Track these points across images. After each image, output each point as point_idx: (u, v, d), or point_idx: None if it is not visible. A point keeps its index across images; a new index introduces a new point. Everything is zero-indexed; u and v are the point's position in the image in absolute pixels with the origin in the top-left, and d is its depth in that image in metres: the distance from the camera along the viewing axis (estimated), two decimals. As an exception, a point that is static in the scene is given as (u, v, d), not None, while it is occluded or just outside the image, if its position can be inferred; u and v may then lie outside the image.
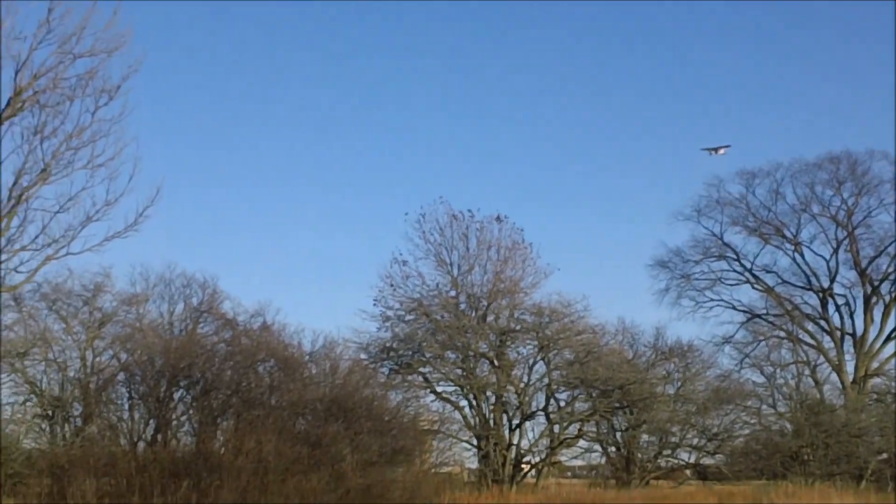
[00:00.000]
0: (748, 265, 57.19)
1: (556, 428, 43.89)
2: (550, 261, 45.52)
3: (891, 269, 55.05)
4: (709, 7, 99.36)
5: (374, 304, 42.76)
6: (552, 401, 44.10)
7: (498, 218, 43.83)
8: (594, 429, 47.00)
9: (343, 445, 30.24)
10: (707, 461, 49.82)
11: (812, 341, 55.29)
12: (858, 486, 44.92)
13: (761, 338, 55.81)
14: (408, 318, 42.91)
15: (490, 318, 43.29)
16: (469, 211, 43.80)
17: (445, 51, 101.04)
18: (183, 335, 37.56)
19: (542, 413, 43.78)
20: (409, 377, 42.11)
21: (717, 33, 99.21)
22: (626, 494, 39.83)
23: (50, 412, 33.87)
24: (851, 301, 55.87)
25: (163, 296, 40.84)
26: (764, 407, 51.21)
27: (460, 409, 42.78)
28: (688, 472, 51.99)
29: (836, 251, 56.00)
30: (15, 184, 21.95)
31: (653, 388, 45.25)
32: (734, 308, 57.19)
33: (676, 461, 49.86)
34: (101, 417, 31.04)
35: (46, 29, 21.64)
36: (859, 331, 55.30)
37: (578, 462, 53.39)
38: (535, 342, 42.94)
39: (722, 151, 54.99)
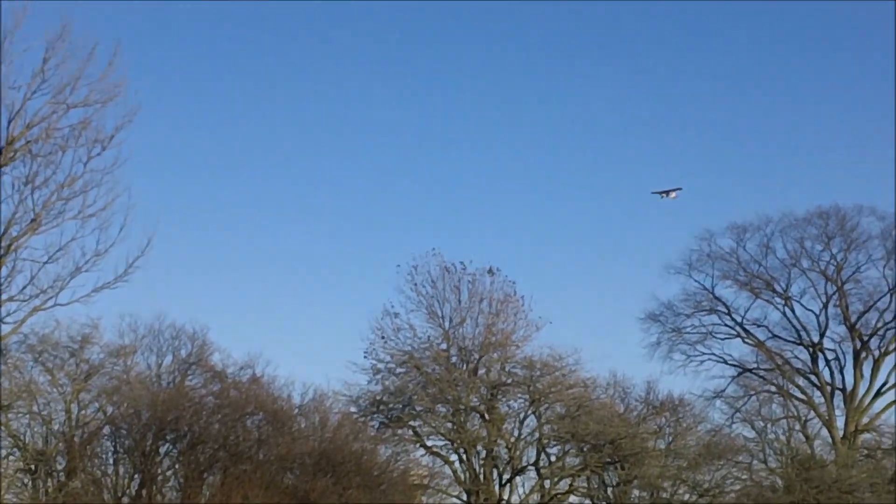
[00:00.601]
0: (739, 319, 57.02)
1: (547, 483, 43.48)
2: (542, 313, 45.50)
3: (880, 325, 54.98)
4: (695, 67, 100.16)
5: (365, 357, 42.67)
6: (543, 455, 43.73)
7: (490, 270, 43.90)
8: (585, 484, 46.53)
9: (332, 500, 29.90)
10: (698, 517, 49.31)
11: (802, 396, 55.02)
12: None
13: (752, 392, 55.48)
14: (398, 370, 42.72)
15: (481, 372, 43.08)
16: (461, 263, 43.90)
17: (446, 104, 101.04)
18: (171, 388, 37.07)
19: (533, 468, 43.41)
20: (399, 431, 41.75)
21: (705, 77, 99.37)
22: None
23: (33, 466, 33.25)
24: (841, 356, 55.70)
25: (151, 347, 40.35)
26: (755, 462, 50.82)
27: (450, 463, 42.41)
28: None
29: (825, 306, 55.97)
30: (4, 234, 21.83)
31: (644, 443, 44.92)
32: (725, 362, 56.86)
33: (668, 517, 49.34)
34: (84, 472, 30.59)
35: (41, 79, 21.76)
36: (849, 386, 55.04)
37: (569, 518, 52.79)
38: (527, 396, 42.69)
39: (673, 195, 54.55)
